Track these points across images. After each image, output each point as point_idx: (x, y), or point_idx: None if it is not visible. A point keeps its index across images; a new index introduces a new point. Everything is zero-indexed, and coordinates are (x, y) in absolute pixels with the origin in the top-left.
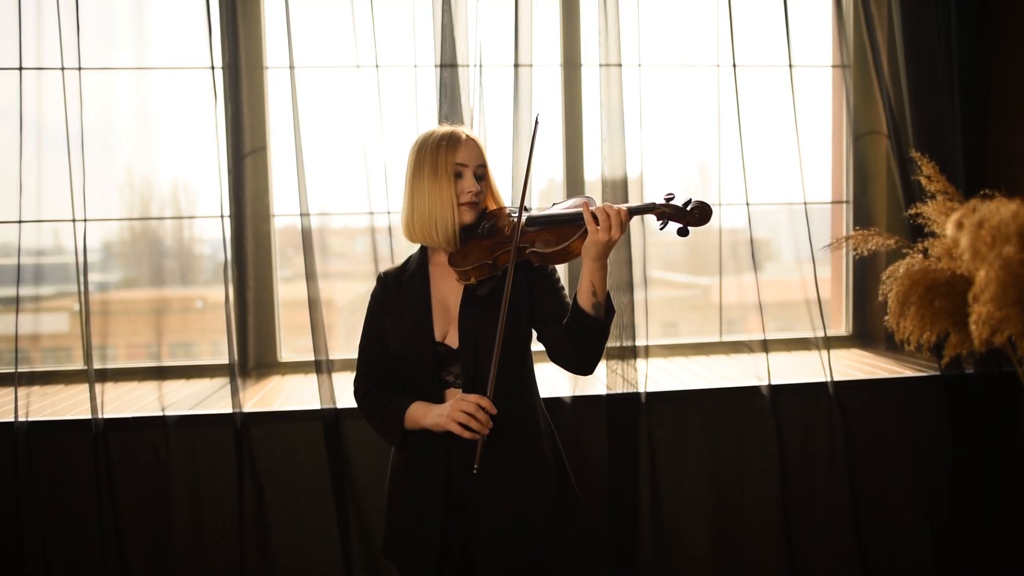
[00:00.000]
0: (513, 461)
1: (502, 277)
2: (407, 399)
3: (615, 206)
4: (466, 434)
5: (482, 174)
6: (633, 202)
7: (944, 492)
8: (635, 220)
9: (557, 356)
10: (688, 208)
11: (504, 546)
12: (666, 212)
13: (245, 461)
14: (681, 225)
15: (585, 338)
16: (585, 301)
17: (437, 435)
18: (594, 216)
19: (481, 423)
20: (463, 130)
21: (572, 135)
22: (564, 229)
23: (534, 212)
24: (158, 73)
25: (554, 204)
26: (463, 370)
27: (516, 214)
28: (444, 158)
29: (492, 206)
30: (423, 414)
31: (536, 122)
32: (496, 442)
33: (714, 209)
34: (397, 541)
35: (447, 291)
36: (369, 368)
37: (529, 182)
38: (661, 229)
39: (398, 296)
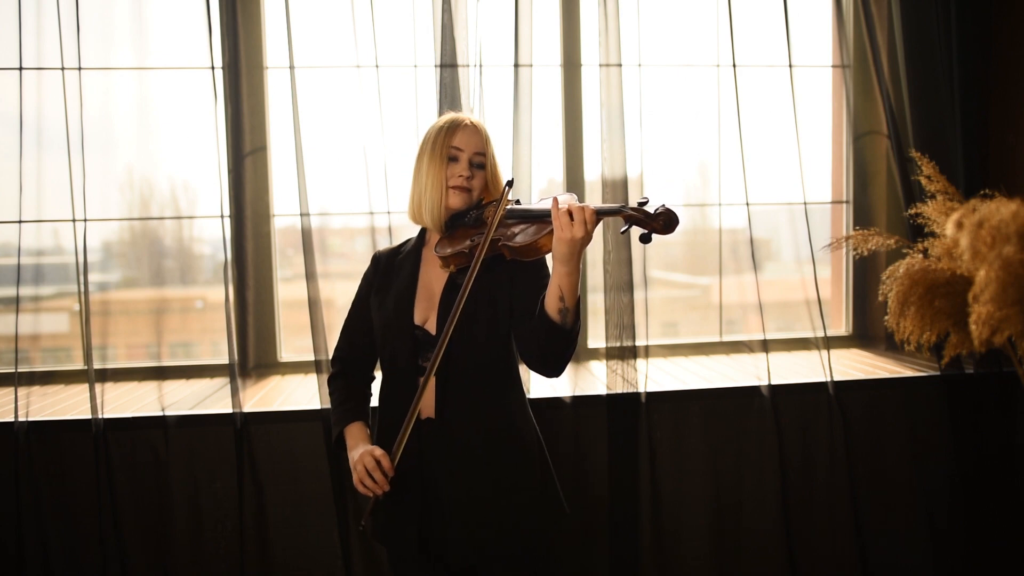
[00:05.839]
0: (491, 458)
1: (491, 266)
2: (354, 412)
3: (581, 204)
4: (361, 489)
5: (480, 163)
6: (602, 203)
7: (944, 492)
8: None
9: (523, 354)
10: (655, 213)
11: (475, 542)
12: (632, 216)
13: (245, 461)
14: (645, 231)
15: (549, 343)
16: (551, 306)
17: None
18: (563, 214)
19: (376, 483)
20: (467, 116)
21: (572, 135)
22: (534, 224)
23: (517, 206)
24: (158, 73)
25: (541, 200)
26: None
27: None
28: (442, 141)
29: (489, 198)
30: (351, 445)
31: (508, 184)
32: (475, 438)
33: (680, 218)
34: (381, 526)
35: (434, 276)
36: (347, 344)
37: (493, 225)
38: (622, 233)
39: (387, 276)
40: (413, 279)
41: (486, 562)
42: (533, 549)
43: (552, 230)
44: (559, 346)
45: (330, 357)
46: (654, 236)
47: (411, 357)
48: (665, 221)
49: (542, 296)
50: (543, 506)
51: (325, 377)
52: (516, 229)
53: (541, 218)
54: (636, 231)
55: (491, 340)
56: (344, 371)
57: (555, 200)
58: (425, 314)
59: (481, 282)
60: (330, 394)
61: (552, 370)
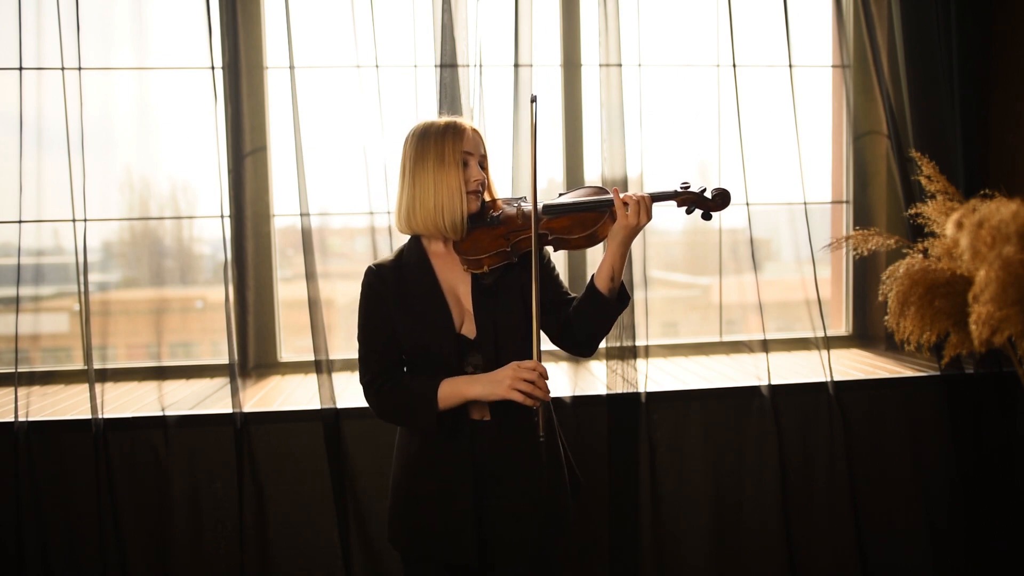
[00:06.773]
0: (540, 457)
1: (513, 265)
2: (433, 378)
3: (639, 193)
4: (528, 402)
5: (484, 165)
6: (656, 189)
7: (945, 492)
8: None
9: (563, 339)
10: (710, 197)
11: (526, 546)
12: (689, 199)
13: (245, 461)
14: (704, 211)
15: (595, 320)
16: (603, 284)
17: (462, 434)
18: (624, 203)
19: (544, 391)
20: (465, 121)
21: (572, 135)
22: (587, 215)
23: (548, 201)
24: (158, 73)
25: (560, 195)
26: (485, 360)
27: (522, 204)
28: (452, 146)
29: (488, 197)
30: (466, 385)
31: (533, 100)
32: (525, 436)
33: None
34: (419, 533)
35: (455, 282)
36: (378, 363)
37: (536, 162)
38: (688, 214)
39: (401, 289)
40: (437, 288)
41: (527, 564)
42: (561, 539)
43: (605, 220)
44: (604, 322)
45: (330, 358)
46: (712, 214)
47: (457, 364)
48: (721, 200)
49: (591, 278)
50: (567, 492)
51: (325, 377)
52: (559, 223)
53: (586, 209)
54: (697, 212)
55: (525, 337)
56: (387, 383)
57: (616, 191)
58: (460, 320)
59: (511, 282)
60: (387, 397)
61: (593, 348)
